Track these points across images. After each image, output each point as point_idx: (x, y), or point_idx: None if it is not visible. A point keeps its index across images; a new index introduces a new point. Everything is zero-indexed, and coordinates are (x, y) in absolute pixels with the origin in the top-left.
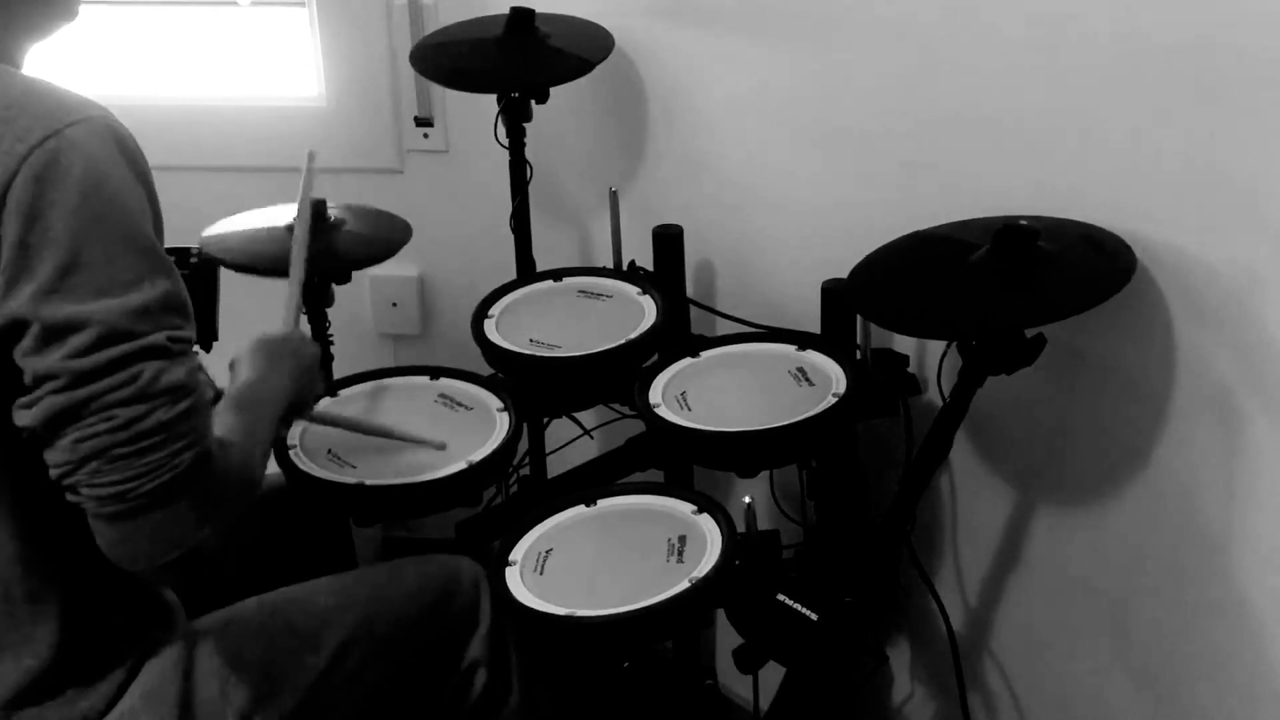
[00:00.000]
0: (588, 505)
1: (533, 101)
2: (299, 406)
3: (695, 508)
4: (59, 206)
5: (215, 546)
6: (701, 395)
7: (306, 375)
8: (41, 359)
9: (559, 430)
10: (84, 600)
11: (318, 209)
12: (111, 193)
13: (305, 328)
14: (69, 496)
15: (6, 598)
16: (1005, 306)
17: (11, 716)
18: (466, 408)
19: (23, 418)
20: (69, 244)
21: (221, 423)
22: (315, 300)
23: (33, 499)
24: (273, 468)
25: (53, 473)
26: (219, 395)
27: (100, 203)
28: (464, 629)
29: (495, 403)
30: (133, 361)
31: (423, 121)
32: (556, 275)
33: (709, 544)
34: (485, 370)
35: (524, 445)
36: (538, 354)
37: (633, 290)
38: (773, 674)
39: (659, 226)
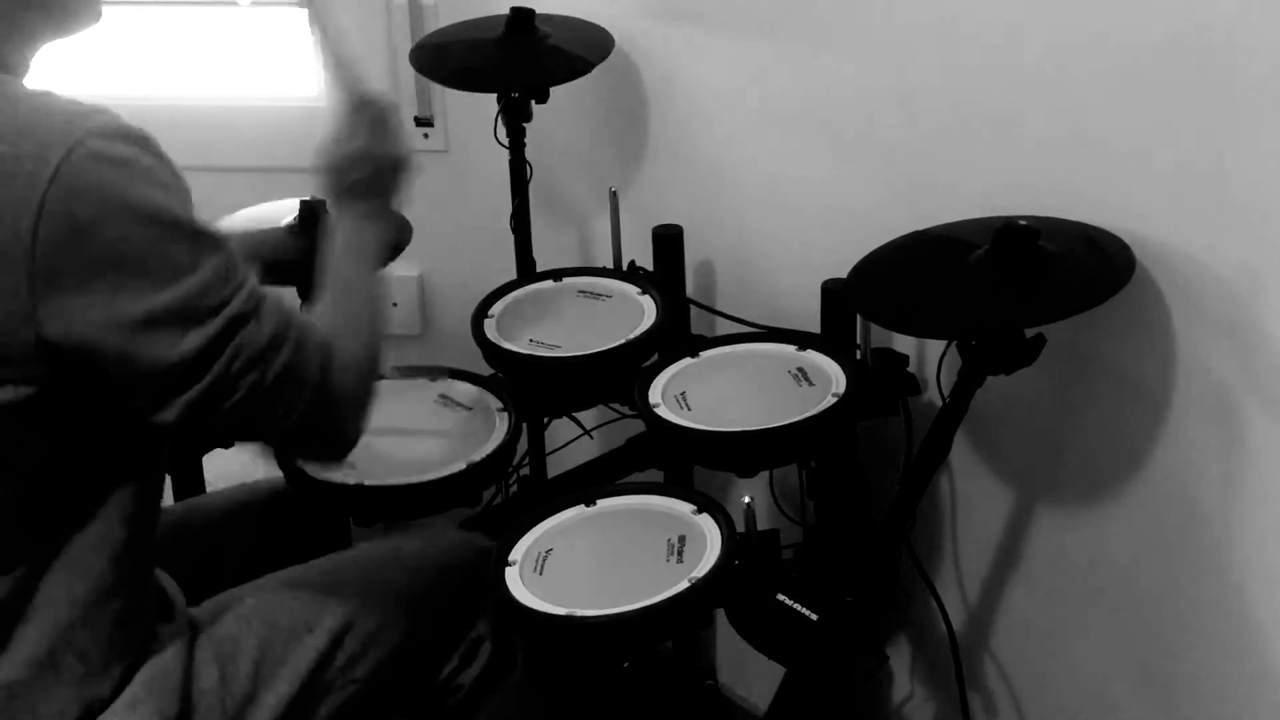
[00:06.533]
0: (588, 505)
1: (533, 101)
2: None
3: (695, 508)
4: (103, 220)
5: (210, 549)
6: (701, 395)
7: (388, 177)
8: (138, 367)
9: (559, 430)
10: (75, 599)
11: (315, 207)
12: (144, 191)
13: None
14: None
15: None
16: (1005, 306)
17: (17, 701)
18: (466, 408)
19: (167, 415)
20: (122, 252)
21: (323, 312)
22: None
23: (10, 505)
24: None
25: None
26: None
27: (137, 204)
28: (469, 606)
29: (495, 403)
30: (228, 339)
31: (423, 121)
32: (556, 275)
33: (709, 544)
34: (485, 370)
35: (524, 445)
36: (538, 354)
37: (633, 290)
38: (772, 674)
39: (659, 226)
